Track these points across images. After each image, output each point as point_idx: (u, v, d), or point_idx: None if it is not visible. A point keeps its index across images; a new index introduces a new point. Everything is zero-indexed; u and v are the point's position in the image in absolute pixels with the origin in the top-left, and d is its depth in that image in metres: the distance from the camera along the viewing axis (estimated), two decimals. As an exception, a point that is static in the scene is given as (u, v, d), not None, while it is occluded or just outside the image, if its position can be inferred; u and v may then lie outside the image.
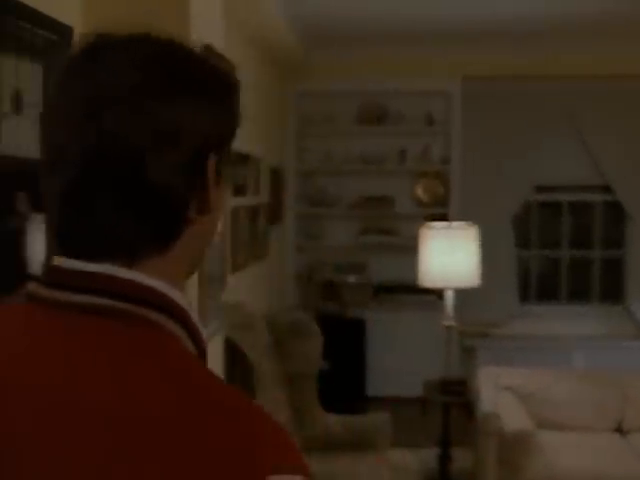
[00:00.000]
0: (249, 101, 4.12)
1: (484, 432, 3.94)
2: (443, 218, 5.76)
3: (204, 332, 0.81)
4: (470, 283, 4.14)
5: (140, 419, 0.65)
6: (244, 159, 4.47)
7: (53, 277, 0.74)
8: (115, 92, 0.73)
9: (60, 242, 0.77)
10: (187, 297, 0.80)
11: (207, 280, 2.54)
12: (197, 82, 0.77)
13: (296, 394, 4.05)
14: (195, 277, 2.41)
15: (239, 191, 4.43)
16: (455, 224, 4.55)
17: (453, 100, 6.30)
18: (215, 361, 2.86)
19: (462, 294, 4.52)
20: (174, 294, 0.76)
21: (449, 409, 4.23)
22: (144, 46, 0.77)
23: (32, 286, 0.77)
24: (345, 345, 5.80)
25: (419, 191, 6.51)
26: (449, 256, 4.03)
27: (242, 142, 4.22)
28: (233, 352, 3.32)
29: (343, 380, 5.57)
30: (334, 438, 4.03)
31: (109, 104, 0.73)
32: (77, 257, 0.74)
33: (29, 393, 0.69)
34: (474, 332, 6.09)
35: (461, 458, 4.30)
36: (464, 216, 5.50)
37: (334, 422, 4.12)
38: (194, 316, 0.79)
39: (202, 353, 0.79)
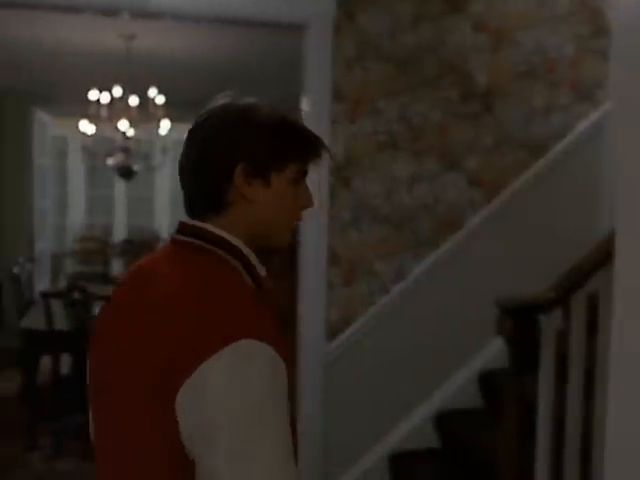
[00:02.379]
0: None
1: None
2: None
3: (262, 271, 1.32)
4: None
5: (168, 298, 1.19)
6: None
7: (180, 227, 1.31)
8: (193, 134, 1.32)
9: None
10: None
11: None
12: (225, 129, 1.28)
13: None
14: None
15: None
16: None
17: None
18: None
19: None
20: (234, 240, 1.28)
21: None
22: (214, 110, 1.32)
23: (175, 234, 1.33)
24: None
25: None
26: None
27: None
28: None
29: None
30: None
31: (189, 142, 1.32)
32: (191, 217, 1.32)
33: (139, 276, 1.28)
34: None
35: None
36: None
37: None
38: (252, 259, 1.30)
39: (259, 284, 1.32)
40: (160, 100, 6.28)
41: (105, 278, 9.11)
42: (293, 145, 1.31)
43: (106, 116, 6.41)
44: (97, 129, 6.63)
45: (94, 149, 6.96)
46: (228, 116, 1.29)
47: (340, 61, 3.58)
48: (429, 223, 3.72)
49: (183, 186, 1.33)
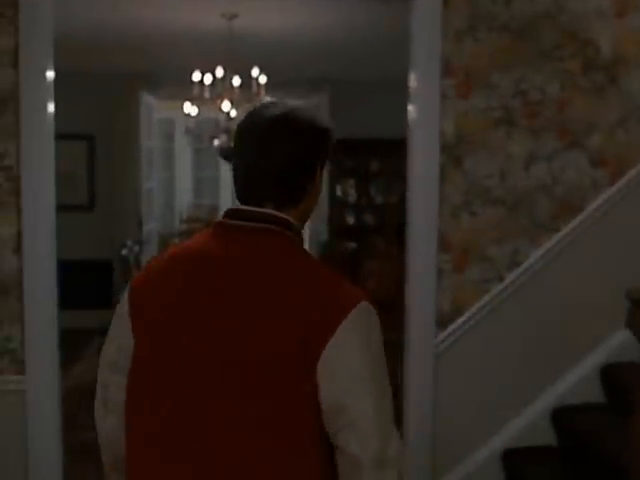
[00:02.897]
0: None
1: None
2: None
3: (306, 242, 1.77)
4: None
5: (265, 271, 1.41)
6: None
7: (234, 213, 1.48)
8: (271, 138, 1.47)
9: (238, 198, 1.50)
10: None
11: None
12: (306, 135, 1.49)
13: None
14: None
15: None
16: None
17: None
18: None
19: None
20: (295, 222, 1.48)
21: None
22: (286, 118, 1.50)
23: (222, 219, 1.48)
24: None
25: None
26: None
27: None
28: None
29: None
30: None
31: (268, 143, 1.47)
32: (246, 204, 1.48)
33: (208, 259, 1.43)
34: None
35: None
36: None
37: None
38: (303, 234, 1.52)
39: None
40: (262, 80, 6.20)
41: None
42: (328, 147, 1.55)
43: (209, 97, 6.37)
44: (201, 111, 6.61)
45: (198, 131, 6.95)
46: (305, 121, 1.48)
47: (450, 33, 3.36)
48: (547, 206, 3.47)
49: (250, 177, 1.47)
